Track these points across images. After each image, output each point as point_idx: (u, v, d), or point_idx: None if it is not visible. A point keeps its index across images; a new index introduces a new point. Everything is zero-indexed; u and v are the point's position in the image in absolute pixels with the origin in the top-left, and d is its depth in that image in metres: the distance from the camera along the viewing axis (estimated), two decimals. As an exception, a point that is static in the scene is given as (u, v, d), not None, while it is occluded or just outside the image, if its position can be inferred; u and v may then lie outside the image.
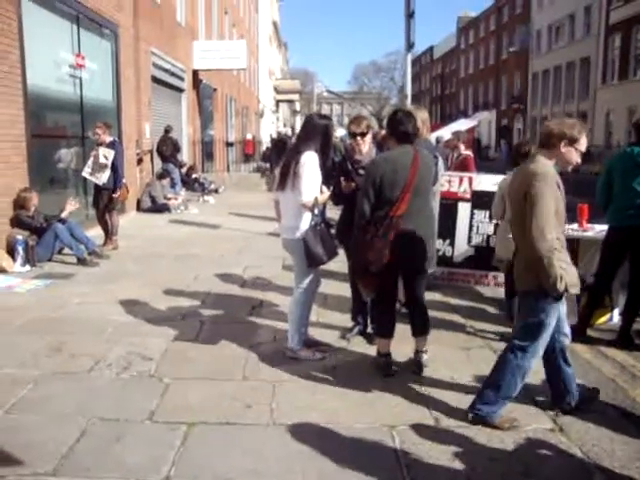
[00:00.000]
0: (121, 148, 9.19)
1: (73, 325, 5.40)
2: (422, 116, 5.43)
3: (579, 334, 5.45)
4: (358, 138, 4.82)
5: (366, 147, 4.84)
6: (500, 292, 6.32)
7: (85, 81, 10.63)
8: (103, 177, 8.58)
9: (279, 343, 4.91)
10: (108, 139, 8.75)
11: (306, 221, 4.37)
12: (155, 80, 15.00)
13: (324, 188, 4.46)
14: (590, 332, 5.73)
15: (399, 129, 4.26)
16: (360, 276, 4.33)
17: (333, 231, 5.17)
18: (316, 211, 4.36)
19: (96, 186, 8.83)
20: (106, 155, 8.54)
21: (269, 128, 43.26)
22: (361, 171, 4.57)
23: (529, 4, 45.57)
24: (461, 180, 6.68)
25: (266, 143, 25.39)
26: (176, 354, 4.73)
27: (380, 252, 4.04)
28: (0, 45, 7.60)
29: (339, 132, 22.65)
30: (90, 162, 8.66)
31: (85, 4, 10.38)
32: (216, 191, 16.99)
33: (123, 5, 12.34)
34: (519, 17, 47.41)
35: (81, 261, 7.83)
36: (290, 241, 4.49)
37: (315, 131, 4.43)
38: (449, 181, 6.63)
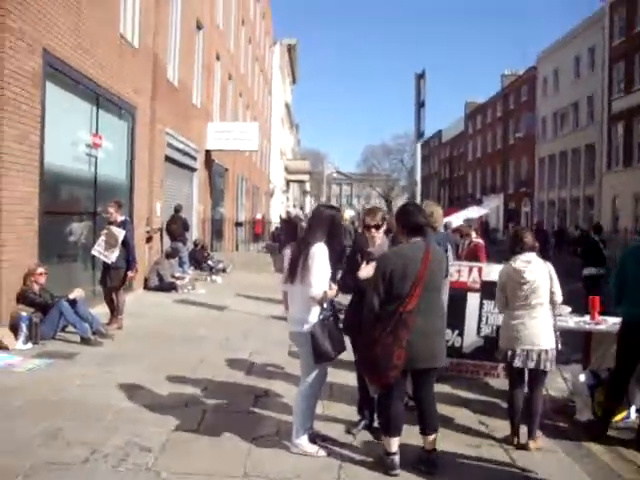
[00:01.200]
0: (132, 227, 9.26)
1: (72, 410, 5.26)
2: (438, 211, 5.57)
3: (599, 434, 5.24)
4: (373, 230, 4.82)
5: (379, 240, 4.83)
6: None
7: (100, 160, 10.87)
8: (112, 256, 8.60)
9: (283, 437, 4.74)
10: (119, 218, 8.83)
11: (314, 315, 4.31)
12: (168, 159, 15.31)
13: (333, 285, 4.42)
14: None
15: (410, 221, 4.27)
16: (367, 372, 4.22)
17: (342, 316, 5.10)
18: (325, 305, 4.30)
19: (104, 264, 8.84)
20: (117, 234, 8.59)
21: (279, 208, 43.81)
22: (372, 263, 4.55)
23: (534, 92, 46.93)
24: (470, 270, 6.63)
25: (275, 223, 25.64)
26: (176, 445, 4.57)
27: (388, 348, 3.96)
28: (22, 126, 7.82)
29: (347, 213, 22.88)
30: (100, 240, 8.71)
31: (105, 87, 10.75)
32: (224, 270, 16.99)
33: (142, 88, 12.77)
34: (525, 104, 48.71)
35: (85, 340, 7.73)
36: (297, 334, 4.41)
37: (323, 222, 4.45)
38: (458, 271, 6.57)
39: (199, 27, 18.29)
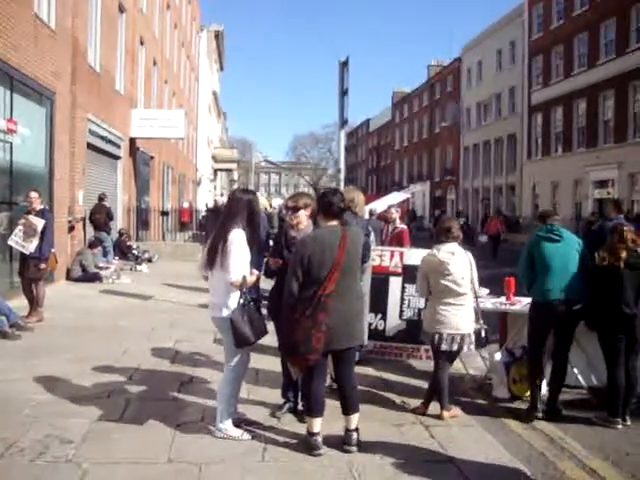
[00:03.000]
0: (51, 216, 8.95)
1: (-14, 405, 5.07)
2: (359, 196, 5.73)
3: (531, 413, 5.44)
4: (290, 212, 4.86)
5: (303, 224, 4.86)
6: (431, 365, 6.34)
7: (16, 146, 10.43)
8: (31, 246, 8.26)
9: (207, 422, 4.74)
10: (39, 207, 8.51)
11: (234, 299, 4.32)
12: (91, 147, 14.85)
13: (254, 271, 4.45)
14: (520, 404, 5.83)
15: (326, 206, 4.38)
16: (288, 355, 4.29)
17: (265, 302, 5.14)
18: (245, 290, 4.32)
19: (23, 254, 8.51)
20: (35, 224, 8.26)
21: (206, 196, 43.25)
22: (293, 248, 4.61)
23: (459, 83, 48.13)
24: (392, 255, 6.78)
25: (202, 212, 25.33)
26: (98, 436, 4.49)
27: (308, 332, 4.03)
28: None
29: (275, 202, 22.86)
30: (17, 230, 8.34)
31: (20, 70, 10.30)
32: (150, 260, 16.68)
33: (61, 72, 12.31)
34: (450, 94, 49.87)
35: (1, 334, 7.42)
36: (218, 319, 4.43)
37: (240, 207, 4.45)
38: (380, 255, 6.71)
39: (121, 10, 17.76)
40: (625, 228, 5.30)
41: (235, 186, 63.93)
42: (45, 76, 11.43)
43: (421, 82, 57.23)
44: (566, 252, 5.42)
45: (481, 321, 5.36)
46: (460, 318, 5.14)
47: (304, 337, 4.04)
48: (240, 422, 4.66)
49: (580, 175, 30.33)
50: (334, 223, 4.34)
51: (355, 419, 4.38)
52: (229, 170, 56.51)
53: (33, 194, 8.51)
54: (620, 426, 5.20)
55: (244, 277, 4.29)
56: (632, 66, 26.29)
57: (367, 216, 8.86)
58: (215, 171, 52.44)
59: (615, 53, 28.05)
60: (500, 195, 41.41)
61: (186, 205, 28.02)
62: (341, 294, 4.16)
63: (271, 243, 5.56)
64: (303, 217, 4.82)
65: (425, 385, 6.09)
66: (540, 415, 5.38)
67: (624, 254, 5.16)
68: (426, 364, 6.67)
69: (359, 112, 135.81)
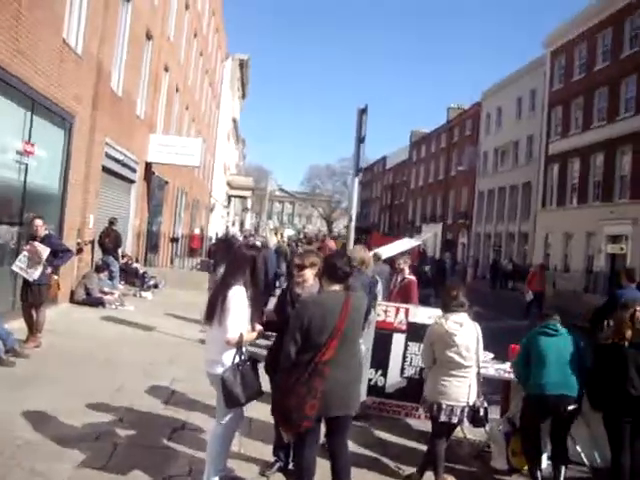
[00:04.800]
0: (57, 241, 8.92)
1: (-31, 441, 4.95)
2: (368, 256, 5.69)
3: None
4: (295, 269, 4.79)
5: (308, 283, 4.77)
6: (430, 426, 6.15)
7: (31, 168, 10.45)
8: (35, 274, 8.17)
9: (194, 476, 4.61)
10: (43, 233, 8.46)
11: (229, 357, 4.23)
12: (106, 170, 14.89)
13: (257, 326, 4.37)
14: (518, 479, 5.64)
15: (329, 263, 4.32)
16: (280, 420, 4.15)
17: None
18: (244, 349, 4.23)
19: (26, 280, 8.44)
20: (41, 251, 8.18)
21: (219, 222, 43.37)
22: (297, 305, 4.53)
23: (478, 127, 48.30)
24: (397, 311, 6.66)
25: (213, 240, 25.35)
26: (80, 484, 4.36)
27: (302, 399, 3.90)
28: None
29: (287, 232, 22.84)
30: (22, 256, 8.25)
31: (43, 93, 10.38)
32: (156, 286, 16.58)
33: (82, 96, 12.42)
34: (468, 138, 50.01)
35: (-3, 360, 7.33)
36: (212, 375, 4.34)
37: (243, 262, 4.40)
38: (385, 311, 6.60)
39: (149, 37, 18.01)
40: (638, 308, 5.14)
41: (248, 214, 64.19)
42: (67, 100, 11.52)
43: (440, 123, 57.53)
44: (562, 347, 5.35)
45: (481, 397, 5.17)
46: (462, 390, 5.00)
47: (297, 404, 3.90)
48: (228, 479, 4.51)
49: (594, 228, 30.10)
50: (337, 288, 4.23)
51: (346, 488, 4.21)
52: (243, 197, 56.78)
53: (37, 221, 8.46)
54: (623, 512, 4.99)
55: (241, 334, 4.21)
56: (652, 123, 26.28)
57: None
58: (229, 197, 52.67)
59: (635, 110, 28.05)
60: (512, 242, 41.21)
61: (197, 231, 28.06)
62: (340, 361, 4.03)
63: (278, 284, 5.48)
64: (309, 276, 4.73)
65: (421, 447, 5.93)
66: None
67: (629, 333, 5.03)
68: (424, 424, 6.48)
69: (377, 147, 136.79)
